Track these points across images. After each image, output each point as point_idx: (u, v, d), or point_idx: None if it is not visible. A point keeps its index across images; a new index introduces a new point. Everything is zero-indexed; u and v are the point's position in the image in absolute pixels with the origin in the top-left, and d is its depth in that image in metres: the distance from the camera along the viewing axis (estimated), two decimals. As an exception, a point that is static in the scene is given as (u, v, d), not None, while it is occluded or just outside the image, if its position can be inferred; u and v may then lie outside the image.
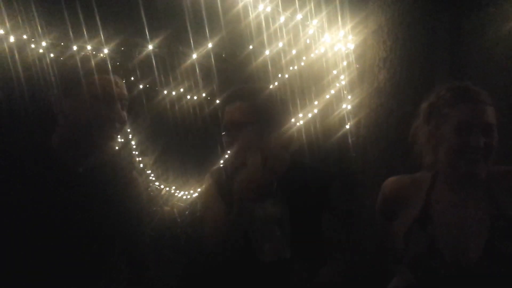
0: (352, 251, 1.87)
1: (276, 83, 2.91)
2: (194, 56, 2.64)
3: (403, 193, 1.62)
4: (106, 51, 2.56)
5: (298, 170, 1.70)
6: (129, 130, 4.49)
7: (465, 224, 1.48)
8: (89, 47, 2.45)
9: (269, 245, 1.58)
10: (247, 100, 1.63)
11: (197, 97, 3.45)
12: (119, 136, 1.54)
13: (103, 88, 1.45)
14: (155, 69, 2.86)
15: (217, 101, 3.47)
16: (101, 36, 2.36)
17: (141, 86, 3.48)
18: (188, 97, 3.44)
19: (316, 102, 2.86)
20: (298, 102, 2.71)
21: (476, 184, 1.50)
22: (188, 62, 2.80)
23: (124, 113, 1.51)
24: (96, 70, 1.47)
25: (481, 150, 1.44)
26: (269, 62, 2.45)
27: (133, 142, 4.47)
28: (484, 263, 1.41)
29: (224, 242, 1.61)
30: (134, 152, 4.52)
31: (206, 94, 3.40)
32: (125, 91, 1.52)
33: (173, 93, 3.37)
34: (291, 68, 2.91)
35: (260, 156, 1.52)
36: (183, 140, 4.25)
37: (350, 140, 2.67)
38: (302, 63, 2.96)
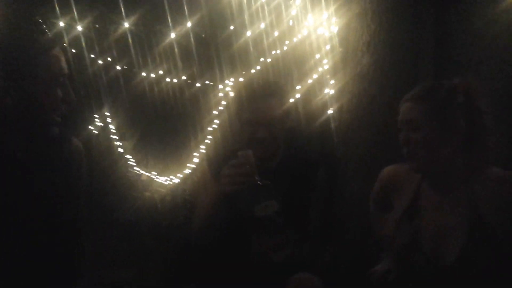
0: (335, 238, 1.88)
1: (258, 67, 2.84)
2: (173, 35, 2.54)
3: (398, 183, 1.65)
4: (79, 28, 2.44)
5: (289, 159, 1.77)
6: (107, 114, 4.37)
7: (445, 224, 1.49)
8: (61, 24, 2.33)
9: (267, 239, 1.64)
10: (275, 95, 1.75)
11: (177, 80, 3.34)
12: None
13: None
14: (132, 48, 2.75)
15: (197, 85, 3.38)
16: (74, 12, 2.24)
17: (118, 68, 3.37)
18: (168, 79, 3.33)
19: (298, 87, 2.79)
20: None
21: (457, 186, 1.50)
22: (166, 42, 2.70)
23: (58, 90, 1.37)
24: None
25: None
26: (250, 44, 2.36)
27: (111, 126, 4.35)
28: (458, 266, 1.42)
29: (212, 226, 1.65)
30: (112, 137, 4.41)
31: (186, 77, 3.30)
32: (61, 64, 1.38)
33: (152, 75, 3.26)
34: (273, 52, 2.84)
35: (252, 153, 1.56)
36: (163, 125, 4.16)
37: (332, 126, 2.62)
38: (285, 47, 2.88)
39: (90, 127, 4.34)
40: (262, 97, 1.71)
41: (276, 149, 1.79)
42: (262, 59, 2.84)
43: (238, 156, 1.55)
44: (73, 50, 3.27)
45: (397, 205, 1.63)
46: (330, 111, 2.64)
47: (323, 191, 1.79)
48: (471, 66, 2.28)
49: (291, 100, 1.83)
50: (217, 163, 1.79)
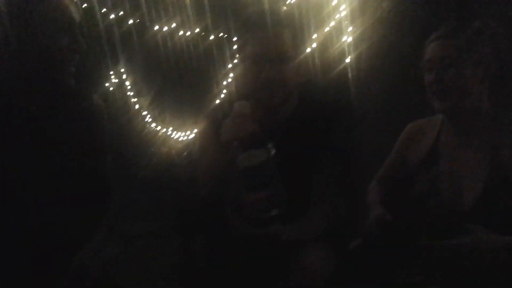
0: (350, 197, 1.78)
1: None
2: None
3: (419, 136, 1.62)
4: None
5: (303, 115, 1.57)
6: (123, 70, 4.35)
7: (464, 170, 1.46)
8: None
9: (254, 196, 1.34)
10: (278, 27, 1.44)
11: (190, 33, 3.27)
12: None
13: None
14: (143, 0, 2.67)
15: (211, 37, 3.31)
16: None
17: (131, 21, 3.30)
18: (181, 32, 3.26)
19: (315, 35, 2.68)
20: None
21: (480, 131, 1.46)
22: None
23: (71, 39, 1.33)
24: None
25: (443, 84, 1.43)
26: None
27: (127, 83, 4.34)
28: (476, 212, 1.40)
29: (218, 188, 1.50)
30: (129, 93, 4.41)
31: (199, 30, 3.22)
32: (71, 13, 1.33)
33: (165, 28, 3.19)
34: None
35: (249, 105, 1.37)
36: (178, 80, 4.12)
37: (350, 75, 2.53)
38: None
39: (106, 84, 4.34)
40: (271, 27, 1.41)
41: (287, 97, 1.57)
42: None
43: (234, 107, 1.36)
44: (85, 4, 3.21)
45: (415, 157, 1.59)
46: (348, 60, 2.55)
47: (339, 151, 1.63)
48: (495, 11, 2.15)
49: (307, 44, 1.59)
50: (216, 116, 1.62)
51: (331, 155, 1.56)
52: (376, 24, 2.38)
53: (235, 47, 3.19)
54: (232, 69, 3.43)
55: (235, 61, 3.26)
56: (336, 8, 2.57)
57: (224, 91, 3.37)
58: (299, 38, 1.49)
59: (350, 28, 2.54)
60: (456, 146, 1.51)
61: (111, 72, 4.25)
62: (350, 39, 2.54)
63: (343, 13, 2.55)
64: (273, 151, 1.31)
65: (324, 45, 2.59)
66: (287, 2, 2.75)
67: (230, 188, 1.45)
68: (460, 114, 1.48)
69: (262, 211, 1.32)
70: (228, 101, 1.70)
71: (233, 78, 3.21)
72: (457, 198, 1.44)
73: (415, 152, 1.61)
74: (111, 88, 4.28)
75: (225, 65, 3.39)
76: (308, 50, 2.57)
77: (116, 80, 4.26)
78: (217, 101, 2.35)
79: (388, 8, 2.33)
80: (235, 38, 3.23)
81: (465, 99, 1.44)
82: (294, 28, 1.47)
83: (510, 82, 1.47)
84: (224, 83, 3.38)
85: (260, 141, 1.31)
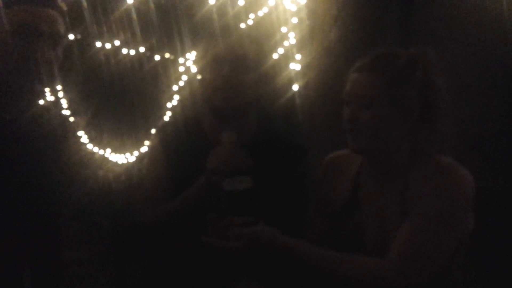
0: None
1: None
2: (130, 1, 2.37)
3: (339, 171, 1.56)
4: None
5: (267, 136, 1.60)
6: (59, 87, 4.14)
7: (384, 217, 1.40)
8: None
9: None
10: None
11: (135, 52, 3.18)
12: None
13: (23, 21, 1.25)
14: (86, 15, 2.57)
15: (156, 58, 3.23)
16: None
17: (71, 37, 3.15)
18: (125, 51, 3.16)
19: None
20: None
21: (396, 173, 1.38)
22: (123, 8, 2.54)
23: (53, 53, 1.31)
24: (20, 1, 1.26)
25: (358, 124, 1.36)
26: (215, 12, 2.24)
27: (64, 100, 4.13)
28: None
29: (165, 215, 1.49)
30: (65, 112, 4.19)
31: (144, 49, 3.15)
32: (58, 27, 1.33)
33: (108, 46, 3.08)
34: (238, 23, 2.72)
35: (236, 134, 1.48)
36: (119, 100, 3.97)
37: (297, 103, 2.55)
38: (250, 21, 2.77)
39: (40, 101, 4.10)
40: (233, 35, 1.57)
41: (244, 111, 1.59)
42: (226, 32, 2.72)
43: (221, 137, 1.47)
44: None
45: (334, 196, 1.51)
46: (295, 88, 2.57)
47: (297, 188, 1.62)
48: (436, 42, 2.25)
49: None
50: (166, 134, 1.64)
51: (289, 191, 1.56)
52: (324, 53, 2.42)
53: (180, 68, 3.15)
54: (176, 92, 3.36)
55: (181, 82, 3.20)
56: (285, 35, 2.60)
57: (169, 113, 3.28)
58: (260, 52, 1.56)
59: (298, 57, 2.57)
60: (376, 187, 1.43)
61: (47, 89, 4.03)
62: (298, 67, 2.56)
63: (292, 41, 2.58)
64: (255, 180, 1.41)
65: (273, 72, 2.59)
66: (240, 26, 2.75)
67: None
68: (375, 156, 1.40)
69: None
70: (177, 121, 1.69)
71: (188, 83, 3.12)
72: (381, 249, 1.35)
73: (334, 191, 1.52)
74: (46, 106, 4.05)
75: (169, 87, 3.32)
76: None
77: (52, 98, 4.04)
78: (167, 120, 2.28)
79: (335, 38, 2.38)
80: (181, 60, 3.17)
81: (381, 142, 1.36)
82: (255, 40, 1.57)
83: (434, 121, 1.37)
84: (169, 105, 3.30)
85: (246, 169, 1.42)
